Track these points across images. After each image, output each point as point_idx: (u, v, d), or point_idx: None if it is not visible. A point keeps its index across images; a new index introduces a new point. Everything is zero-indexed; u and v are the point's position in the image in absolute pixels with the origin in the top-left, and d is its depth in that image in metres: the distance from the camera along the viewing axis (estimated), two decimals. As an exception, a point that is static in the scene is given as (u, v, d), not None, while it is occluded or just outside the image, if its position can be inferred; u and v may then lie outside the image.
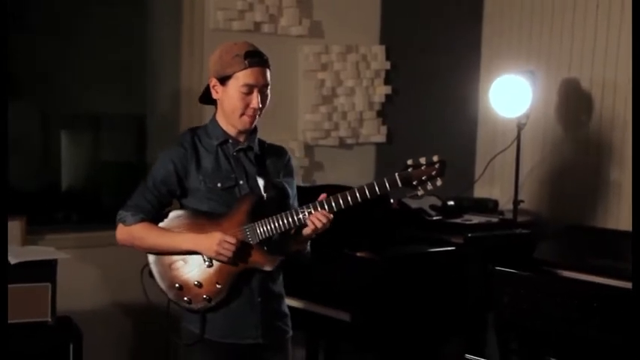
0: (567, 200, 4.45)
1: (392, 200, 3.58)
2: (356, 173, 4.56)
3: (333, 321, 3.38)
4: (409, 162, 2.54)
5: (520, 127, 4.15)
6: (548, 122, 4.49)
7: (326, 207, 2.55)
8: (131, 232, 2.61)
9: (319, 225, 2.55)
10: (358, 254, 3.48)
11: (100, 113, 4.78)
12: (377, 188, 2.53)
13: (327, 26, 4.51)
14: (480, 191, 4.72)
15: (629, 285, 3.53)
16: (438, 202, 3.79)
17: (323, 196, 2.57)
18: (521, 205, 4.26)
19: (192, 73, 4.17)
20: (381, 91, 4.67)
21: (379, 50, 4.66)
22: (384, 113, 4.72)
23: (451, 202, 3.82)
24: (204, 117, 4.17)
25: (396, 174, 2.52)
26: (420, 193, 2.53)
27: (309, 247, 2.75)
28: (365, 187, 2.53)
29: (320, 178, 4.51)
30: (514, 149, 4.24)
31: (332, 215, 2.56)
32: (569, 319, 3.14)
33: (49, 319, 3.30)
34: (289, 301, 2.81)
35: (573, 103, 4.43)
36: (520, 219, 4.16)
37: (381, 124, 4.71)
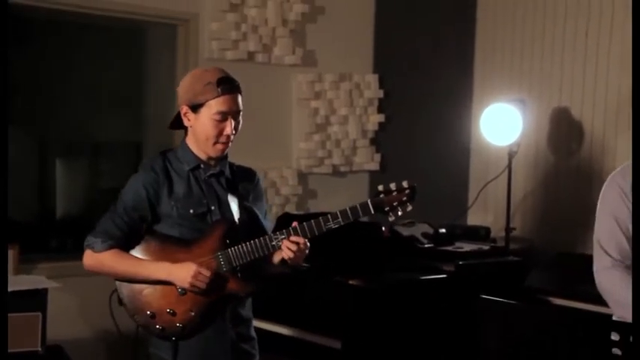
0: (559, 228, 4.47)
1: (383, 228, 3.59)
2: (349, 201, 4.48)
3: (324, 348, 3.38)
4: (380, 188, 2.54)
5: (511, 155, 4.17)
6: (539, 150, 4.52)
7: (299, 232, 2.51)
8: (100, 259, 2.54)
9: (289, 254, 2.52)
10: (350, 282, 3.48)
11: (96, 141, 4.83)
12: (350, 214, 2.51)
13: (321, 55, 4.57)
14: (473, 218, 4.73)
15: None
16: (430, 230, 3.80)
17: (294, 223, 2.54)
18: (514, 233, 4.28)
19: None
20: (375, 119, 4.71)
21: (372, 79, 4.71)
22: (378, 141, 4.75)
23: (443, 230, 3.83)
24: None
25: (368, 200, 2.52)
26: (392, 219, 2.54)
27: (289, 270, 2.70)
28: (338, 213, 2.52)
29: (313, 206, 4.53)
30: (505, 177, 4.26)
31: (305, 241, 2.53)
32: (561, 348, 3.13)
33: (40, 349, 3.30)
34: (279, 329, 2.80)
35: (564, 131, 4.46)
36: (512, 246, 4.17)
37: (374, 152, 4.74)
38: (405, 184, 2.53)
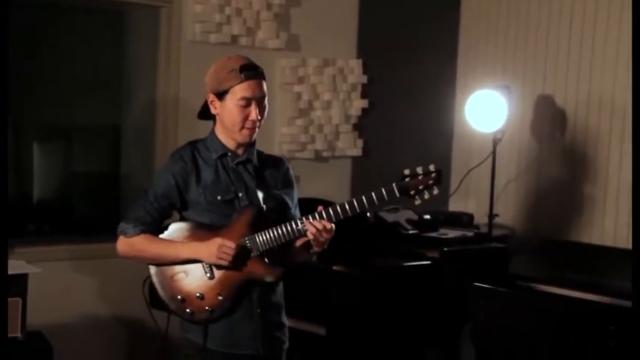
0: (541, 214, 4.49)
1: (368, 214, 3.57)
2: (332, 187, 4.56)
3: (309, 335, 3.36)
4: (406, 172, 2.55)
5: (496, 141, 4.17)
6: (523, 137, 4.53)
7: (325, 216, 2.55)
8: (132, 243, 2.63)
9: (313, 231, 2.54)
10: (334, 268, 3.46)
11: (74, 124, 4.74)
12: (375, 199, 2.53)
13: (305, 40, 4.51)
14: (455, 205, 4.73)
15: (603, 299, 3.57)
16: (414, 216, 3.79)
17: (320, 208, 2.58)
18: (496, 219, 4.28)
19: (169, 85, 4.15)
20: (358, 104, 4.68)
21: (356, 64, 4.67)
22: (361, 127, 4.72)
23: (427, 216, 3.82)
24: (180, 128, 4.18)
25: (394, 184, 2.53)
26: (417, 202, 2.55)
27: (315, 258, 2.76)
28: (363, 198, 2.54)
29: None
30: (489, 163, 4.26)
31: (331, 225, 2.56)
32: (545, 334, 3.14)
33: (19, 335, 3.24)
34: None
35: (548, 119, 4.47)
36: (495, 233, 4.17)
37: (357, 137, 4.71)
38: (431, 167, 2.54)
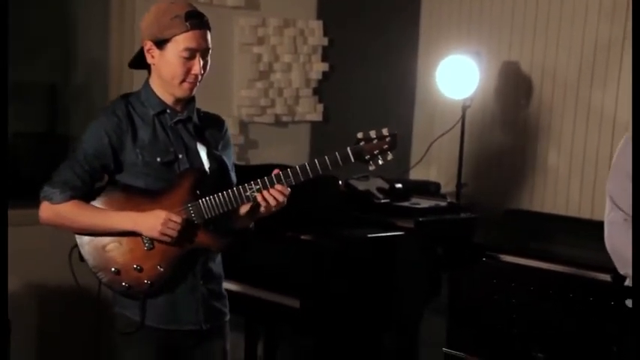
0: (505, 184, 4.43)
1: (340, 182, 3.44)
2: (290, 152, 4.40)
3: (277, 306, 3.23)
4: (359, 135, 2.40)
5: (465, 108, 4.08)
6: (487, 105, 4.45)
7: (283, 181, 2.37)
8: (59, 211, 2.36)
9: (274, 202, 2.38)
10: (302, 237, 3.33)
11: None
12: (329, 163, 2.37)
13: (264, -2, 4.32)
14: (415, 173, 4.63)
15: (565, 269, 3.56)
16: (385, 185, 3.67)
17: (276, 171, 2.41)
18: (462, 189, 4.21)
19: (122, 41, 3.91)
20: (318, 67, 4.52)
21: (316, 25, 4.50)
22: (321, 91, 4.56)
23: (399, 185, 3.71)
24: (135, 86, 3.93)
25: (348, 148, 2.37)
26: (372, 168, 2.42)
27: (253, 224, 2.58)
28: (316, 162, 2.38)
29: (254, 157, 4.33)
30: (455, 131, 4.18)
31: (288, 190, 2.40)
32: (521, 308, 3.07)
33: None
34: (233, 287, 2.65)
35: (513, 87, 4.39)
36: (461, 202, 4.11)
37: (317, 102, 4.55)
38: (385, 131, 2.40)
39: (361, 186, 3.62)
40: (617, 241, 2.57)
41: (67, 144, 4.21)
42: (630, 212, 2.52)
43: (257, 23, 4.27)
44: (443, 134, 4.30)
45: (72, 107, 4.19)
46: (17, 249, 3.58)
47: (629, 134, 2.57)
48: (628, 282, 2.59)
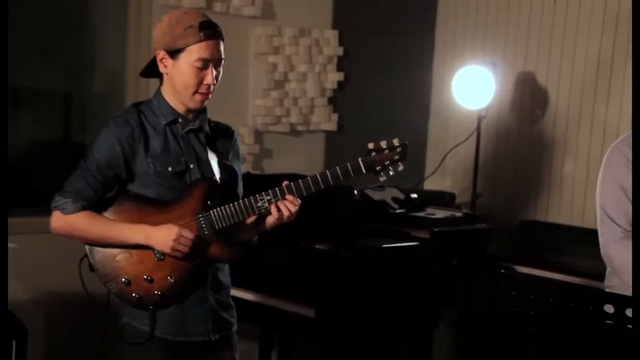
0: (521, 195, 4.42)
1: (356, 192, 3.43)
2: (305, 162, 4.41)
3: (293, 315, 3.22)
4: (370, 146, 2.40)
5: (480, 119, 4.07)
6: (502, 115, 4.43)
7: (294, 191, 2.37)
8: (70, 221, 2.34)
9: (287, 213, 2.38)
10: (317, 247, 3.32)
11: (22, 88, 4.45)
12: (340, 174, 2.37)
13: (280, 8, 4.33)
14: (430, 183, 4.63)
15: (582, 281, 3.53)
16: (401, 195, 3.66)
17: (285, 183, 2.40)
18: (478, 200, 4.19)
19: (139, 51, 3.93)
20: (333, 77, 4.52)
21: (332, 35, 4.50)
22: (336, 101, 4.57)
23: (414, 195, 3.70)
24: (151, 94, 3.94)
25: (360, 159, 2.37)
26: (382, 179, 2.42)
27: (256, 237, 2.57)
28: (327, 173, 2.38)
29: (269, 166, 4.33)
30: (470, 141, 4.17)
31: (299, 201, 2.39)
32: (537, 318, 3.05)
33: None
34: (239, 293, 2.64)
35: (529, 97, 4.38)
36: (476, 213, 4.09)
37: (332, 111, 4.56)
38: (395, 141, 2.40)
39: (376, 196, 3.62)
40: (620, 260, 2.54)
41: (83, 152, 4.21)
42: (627, 226, 2.50)
43: (273, 33, 4.28)
44: (458, 144, 4.30)
45: (88, 115, 4.20)
46: (29, 257, 3.62)
47: (615, 144, 2.57)
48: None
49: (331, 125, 4.55)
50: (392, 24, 4.66)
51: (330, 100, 4.55)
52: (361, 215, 3.50)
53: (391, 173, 2.40)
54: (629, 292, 2.45)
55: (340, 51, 4.53)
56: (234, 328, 2.55)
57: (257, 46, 4.26)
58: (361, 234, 3.44)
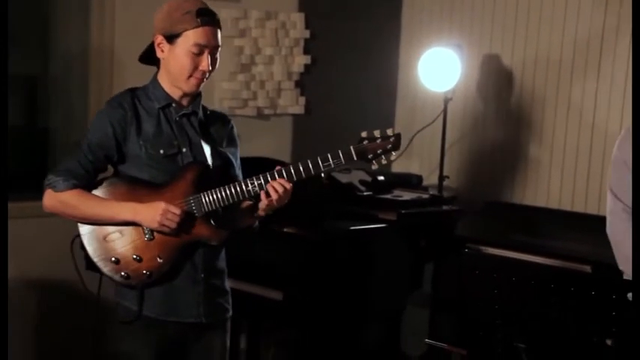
0: (486, 176, 4.45)
1: (323, 175, 3.43)
2: (272, 145, 4.40)
3: (261, 299, 3.23)
4: (363, 134, 2.44)
5: (447, 101, 4.09)
6: (468, 98, 4.46)
7: (285, 176, 2.41)
8: (62, 199, 2.41)
9: (276, 195, 2.41)
10: (285, 230, 3.33)
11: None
12: (331, 161, 2.41)
13: (245, -10, 4.30)
14: (397, 166, 4.64)
15: (546, 261, 3.57)
16: (368, 177, 3.68)
17: (278, 167, 2.44)
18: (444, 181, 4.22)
19: (103, 32, 3.88)
20: (300, 60, 4.51)
21: (298, 18, 4.49)
22: (302, 84, 4.56)
23: (382, 177, 3.71)
24: (115, 77, 3.91)
25: (351, 147, 2.41)
26: (374, 167, 2.46)
27: (257, 223, 2.63)
28: (319, 159, 2.42)
29: (236, 150, 4.31)
30: (437, 124, 4.18)
31: (290, 185, 2.43)
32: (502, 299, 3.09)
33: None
34: None
35: (494, 79, 4.41)
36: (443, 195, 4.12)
37: (299, 94, 4.55)
38: (389, 131, 2.44)
39: (344, 179, 3.63)
40: (615, 230, 2.59)
41: (47, 136, 4.17)
42: (629, 203, 2.53)
43: (238, 15, 4.25)
44: (425, 127, 4.32)
45: (52, 99, 4.14)
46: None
47: (628, 126, 2.57)
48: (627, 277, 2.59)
49: (298, 109, 4.55)
50: (358, 7, 4.65)
51: (297, 84, 4.54)
52: (329, 198, 3.51)
53: (384, 162, 2.44)
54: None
55: (307, 34, 4.52)
56: (229, 314, 2.59)
57: (223, 29, 4.17)
58: (329, 216, 3.45)
